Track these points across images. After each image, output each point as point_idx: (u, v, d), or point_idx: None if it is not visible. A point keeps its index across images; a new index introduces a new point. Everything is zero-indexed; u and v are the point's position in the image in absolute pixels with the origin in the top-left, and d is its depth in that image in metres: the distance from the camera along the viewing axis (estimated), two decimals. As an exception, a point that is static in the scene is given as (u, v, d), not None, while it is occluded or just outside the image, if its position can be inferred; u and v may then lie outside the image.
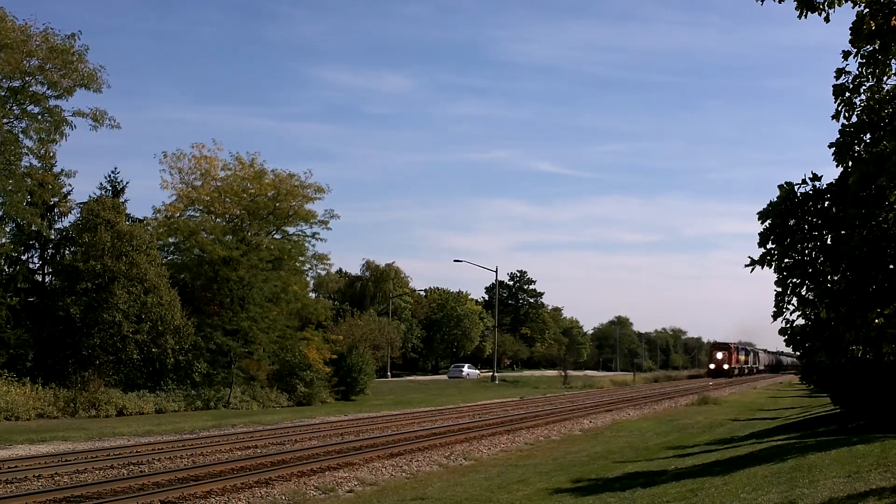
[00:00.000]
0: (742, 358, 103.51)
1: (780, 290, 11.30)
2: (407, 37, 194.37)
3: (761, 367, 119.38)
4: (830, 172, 14.54)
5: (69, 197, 35.97)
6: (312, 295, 62.53)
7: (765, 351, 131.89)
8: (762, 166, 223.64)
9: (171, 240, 41.17)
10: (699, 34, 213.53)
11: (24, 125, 31.79)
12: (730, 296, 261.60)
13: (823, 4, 9.53)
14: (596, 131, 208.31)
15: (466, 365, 79.24)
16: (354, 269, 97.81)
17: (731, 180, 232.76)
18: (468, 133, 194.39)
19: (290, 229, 44.87)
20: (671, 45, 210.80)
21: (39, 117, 31.80)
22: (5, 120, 30.84)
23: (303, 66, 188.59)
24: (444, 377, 75.48)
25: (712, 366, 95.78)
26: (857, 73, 10.61)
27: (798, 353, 14.22)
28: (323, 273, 63.10)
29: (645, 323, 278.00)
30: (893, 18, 9.81)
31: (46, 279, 35.70)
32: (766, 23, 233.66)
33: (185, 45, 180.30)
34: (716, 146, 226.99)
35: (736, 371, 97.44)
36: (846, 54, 10.42)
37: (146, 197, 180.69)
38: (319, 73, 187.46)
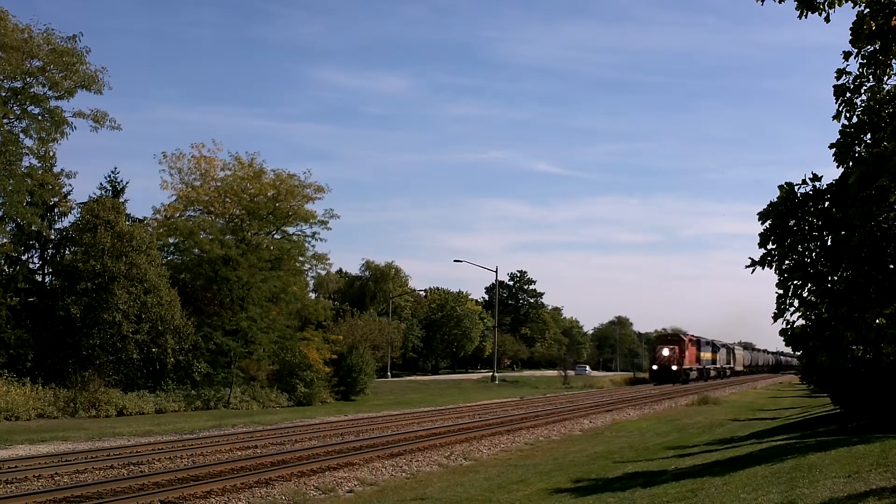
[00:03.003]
0: (706, 356, 77.33)
1: (781, 291, 11.32)
2: (404, 38, 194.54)
3: (739, 369, 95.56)
4: (830, 173, 14.53)
5: (69, 197, 36.03)
6: (312, 295, 62.59)
7: (747, 347, 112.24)
8: (760, 167, 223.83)
9: (170, 240, 41.16)
10: (696, 35, 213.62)
11: (24, 125, 31.83)
12: (729, 295, 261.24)
13: (824, 4, 9.55)
14: (593, 132, 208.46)
15: (588, 366, 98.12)
16: (354, 269, 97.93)
17: (729, 181, 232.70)
18: (466, 133, 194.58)
19: (290, 229, 44.90)
20: (668, 46, 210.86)
21: (40, 118, 31.82)
22: (6, 120, 30.85)
23: (300, 66, 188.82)
24: (445, 377, 76.86)
25: (655, 367, 69.62)
26: (858, 73, 10.64)
27: (798, 354, 14.24)
28: (323, 273, 63.21)
29: (645, 323, 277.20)
30: (894, 19, 9.83)
31: (46, 279, 35.71)
32: (763, 23, 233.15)
33: (184, 45, 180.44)
34: (713, 146, 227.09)
35: (693, 374, 71.80)
36: (847, 55, 10.44)
37: (146, 197, 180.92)
38: (317, 73, 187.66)
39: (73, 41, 31.14)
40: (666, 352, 68.83)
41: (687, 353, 70.05)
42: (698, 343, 75.25)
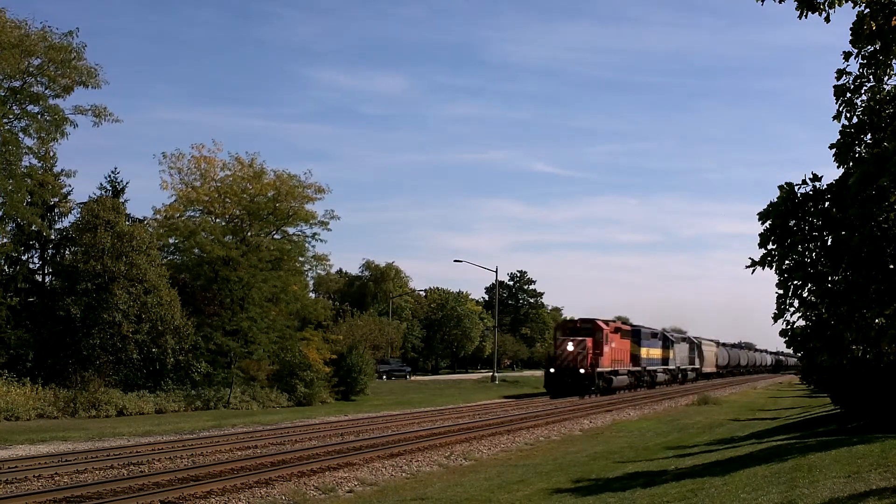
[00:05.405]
0: (651, 353, 55.69)
1: (781, 292, 11.33)
2: (402, 38, 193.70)
3: (708, 370, 73.73)
4: (830, 173, 14.52)
5: (69, 197, 36.00)
6: (312, 295, 62.51)
7: (723, 344, 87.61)
8: (760, 167, 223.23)
9: (170, 240, 41.14)
10: (694, 35, 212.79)
11: (24, 125, 31.81)
12: (729, 295, 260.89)
13: (824, 4, 9.56)
14: (592, 132, 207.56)
15: None
16: (354, 269, 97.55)
17: (729, 181, 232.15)
18: (465, 134, 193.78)
19: (290, 230, 44.83)
20: (666, 46, 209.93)
21: (39, 116, 31.81)
22: (5, 119, 30.83)
23: (300, 67, 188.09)
24: (445, 377, 76.96)
25: (552, 369, 45.43)
26: (858, 73, 10.64)
27: (799, 354, 14.24)
28: (323, 273, 63.06)
29: (645, 323, 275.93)
30: (894, 19, 9.83)
31: (46, 279, 35.70)
32: (763, 23, 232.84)
33: (183, 45, 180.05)
34: (712, 147, 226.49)
35: (620, 379, 48.92)
36: (847, 55, 10.45)
37: (146, 197, 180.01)
38: (316, 73, 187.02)
39: (69, 37, 31.12)
40: (570, 346, 44.81)
41: (607, 348, 46.81)
42: (636, 334, 53.50)
